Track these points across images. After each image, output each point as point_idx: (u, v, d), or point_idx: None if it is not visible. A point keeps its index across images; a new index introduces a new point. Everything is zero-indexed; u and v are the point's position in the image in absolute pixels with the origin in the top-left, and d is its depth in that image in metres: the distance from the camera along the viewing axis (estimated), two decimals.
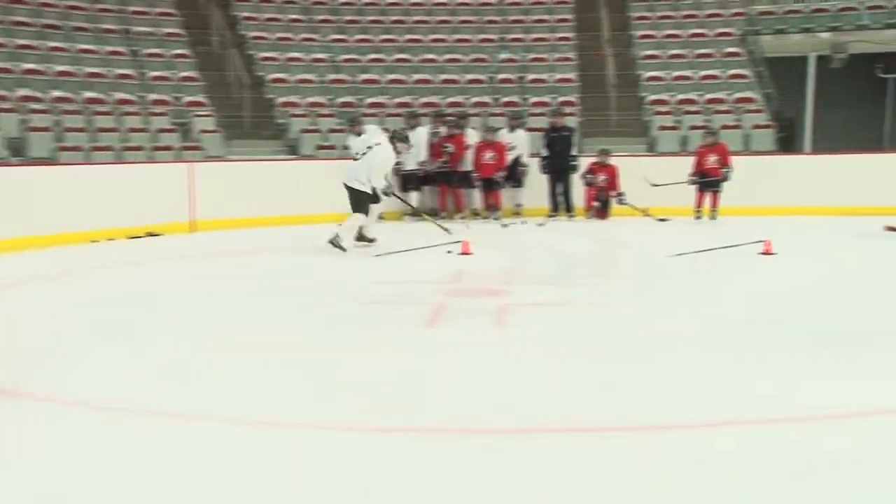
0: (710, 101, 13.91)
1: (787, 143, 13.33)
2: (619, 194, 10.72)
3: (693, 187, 10.39)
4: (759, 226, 9.07)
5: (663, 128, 13.23)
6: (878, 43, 14.45)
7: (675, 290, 5.92)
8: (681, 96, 14.13)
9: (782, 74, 14.33)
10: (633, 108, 14.21)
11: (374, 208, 7.76)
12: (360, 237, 7.88)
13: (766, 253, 7.26)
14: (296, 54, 15.00)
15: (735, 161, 10.51)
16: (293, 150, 12.77)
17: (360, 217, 7.60)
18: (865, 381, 3.66)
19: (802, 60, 12.54)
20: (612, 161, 10.92)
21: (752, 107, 13.60)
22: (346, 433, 3.16)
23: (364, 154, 7.59)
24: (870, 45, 14.54)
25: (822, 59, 13.71)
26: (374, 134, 7.92)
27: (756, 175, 10.74)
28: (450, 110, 12.82)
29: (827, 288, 5.85)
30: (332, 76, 14.66)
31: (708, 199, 10.40)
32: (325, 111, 13.72)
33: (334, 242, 7.49)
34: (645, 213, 10.55)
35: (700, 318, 4.98)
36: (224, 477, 2.78)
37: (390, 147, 7.61)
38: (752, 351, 4.19)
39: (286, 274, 6.63)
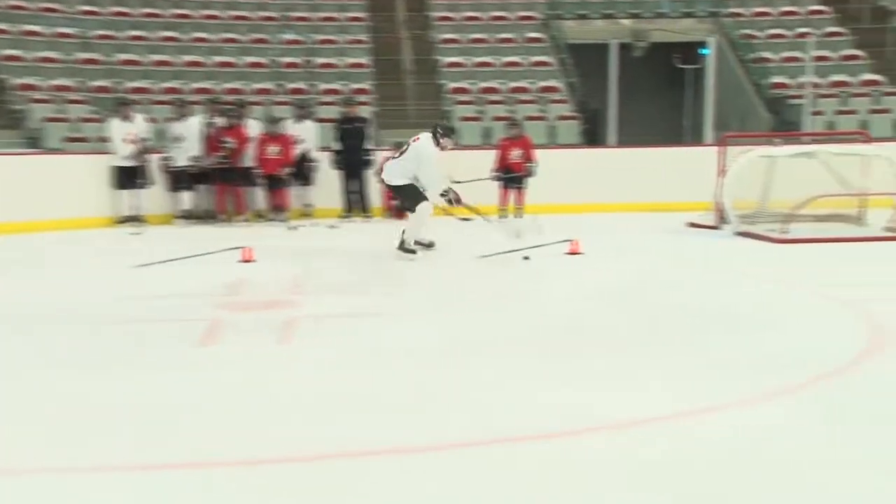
0: (514, 89, 14.64)
1: (592, 135, 14.34)
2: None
3: (497, 184, 10.88)
4: (566, 224, 9.66)
5: (465, 118, 13.72)
6: (676, 32, 15.96)
7: (479, 295, 6.15)
8: (483, 84, 14.75)
9: (586, 63, 15.40)
10: (432, 96, 14.61)
11: (425, 207, 7.75)
12: (405, 247, 7.86)
13: (573, 253, 7.73)
14: (34, 27, 13.93)
15: (540, 155, 11.12)
16: (34, 143, 11.86)
17: (423, 209, 7.67)
18: (664, 384, 4.00)
19: (605, 48, 13.53)
20: None
21: (557, 96, 14.47)
22: (91, 475, 2.97)
23: (405, 151, 7.74)
24: (668, 35, 16.02)
25: (624, 48, 14.87)
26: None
27: (562, 170, 11.43)
28: (227, 98, 12.50)
29: (632, 289, 6.33)
30: (82, 55, 13.77)
31: (513, 196, 10.92)
32: (74, 96, 12.86)
33: (404, 248, 7.62)
34: (448, 212, 10.85)
35: (503, 324, 5.20)
36: None
37: (432, 143, 7.65)
38: (554, 358, 4.44)
39: (4, 294, 6.16)
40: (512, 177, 10.83)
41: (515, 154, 10.93)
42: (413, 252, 7.69)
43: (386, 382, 4.04)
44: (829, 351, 4.48)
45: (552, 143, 13.33)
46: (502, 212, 10.91)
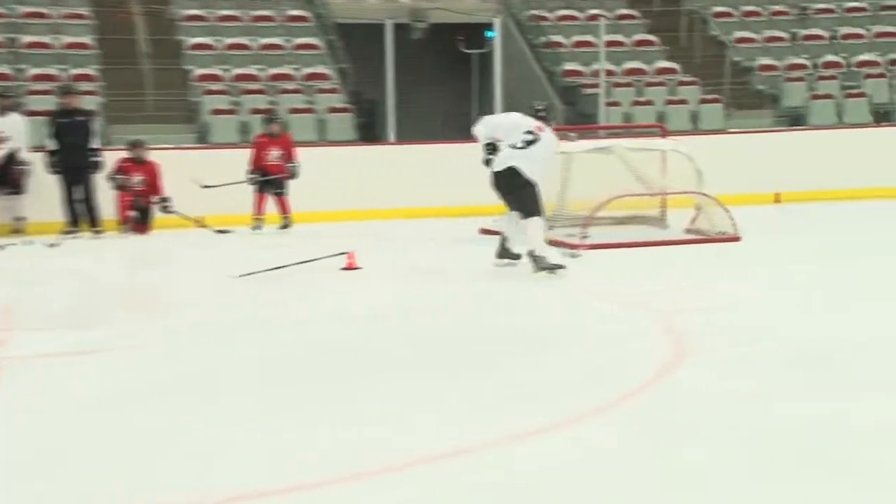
0: (275, 76, 14.54)
1: (369, 130, 14.50)
2: (164, 200, 10.63)
3: (252, 188, 10.74)
4: (340, 234, 9.69)
5: (218, 111, 13.46)
6: (458, 13, 16.51)
7: (237, 321, 6.06)
8: (238, 71, 14.53)
9: (359, 46, 15.55)
10: (175, 85, 14.23)
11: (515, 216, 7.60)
12: (504, 252, 7.80)
13: (350, 268, 7.79)
14: None
15: (309, 154, 11.11)
16: None
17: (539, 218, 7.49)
18: (456, 414, 4.10)
19: (380, 29, 13.72)
20: (151, 156, 10.79)
21: (326, 85, 14.53)
22: None
23: (536, 141, 7.55)
24: (450, 14, 16.54)
25: (401, 29, 15.16)
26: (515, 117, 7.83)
27: (334, 171, 11.49)
28: None
29: (418, 307, 6.47)
30: None
31: (273, 202, 10.82)
32: None
33: (535, 258, 7.34)
34: (199, 223, 10.59)
35: (266, 354, 5.16)
36: None
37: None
38: (331, 389, 4.45)
39: None
40: (269, 179, 10.73)
41: (274, 154, 10.83)
42: (554, 268, 7.31)
43: (104, 437, 3.85)
44: (634, 366, 4.79)
45: (322, 140, 13.35)
46: (258, 221, 10.78)
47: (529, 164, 7.51)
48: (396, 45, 13.53)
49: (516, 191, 7.56)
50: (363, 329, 5.78)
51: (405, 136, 13.54)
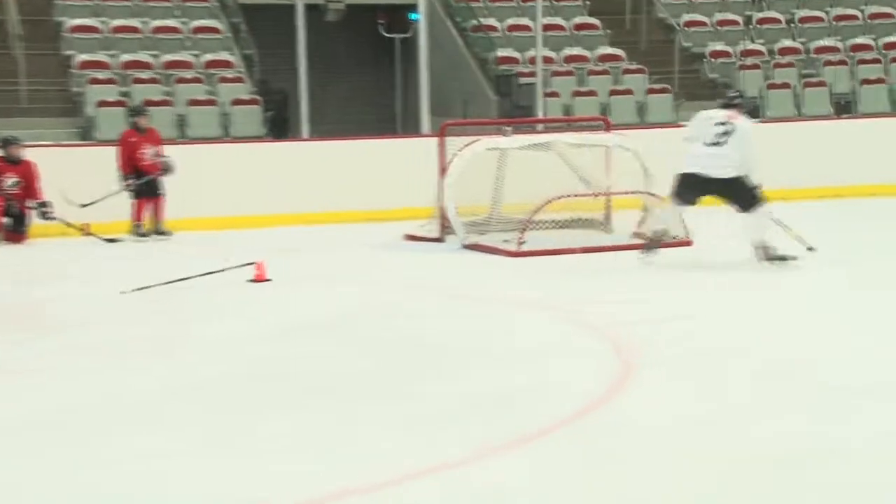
0: (170, 64, 14.39)
1: (280, 124, 14.42)
2: (42, 205, 10.45)
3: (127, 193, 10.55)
4: (246, 242, 9.64)
5: (104, 103, 13.27)
6: None
7: (136, 341, 6.02)
8: (127, 57, 14.35)
9: (267, 30, 15.47)
10: (53, 72, 14.00)
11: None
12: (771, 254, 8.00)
13: (259, 280, 7.77)
14: None
15: (211, 151, 11.03)
16: None
17: (766, 205, 7.97)
18: (376, 442, 4.14)
19: (290, 11, 13.66)
20: (27, 155, 10.60)
21: (230, 73, 14.43)
22: None
23: (729, 133, 7.98)
24: None
25: (313, 10, 15.11)
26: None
27: (241, 171, 11.42)
28: None
29: (333, 323, 6.49)
30: None
31: (151, 206, 10.66)
32: None
33: (770, 255, 7.86)
34: (85, 230, 10.43)
35: (167, 379, 5.15)
36: None
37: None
38: (229, 421, 4.45)
39: None
40: (148, 180, 10.59)
41: (150, 152, 10.72)
42: (784, 258, 7.91)
43: None
44: (574, 386, 4.87)
45: (226, 136, 13.25)
46: (137, 227, 10.63)
47: (726, 159, 7.99)
48: (309, 28, 13.47)
49: (723, 190, 8.10)
50: (275, 349, 5.79)
51: (320, 131, 13.50)
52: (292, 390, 4.94)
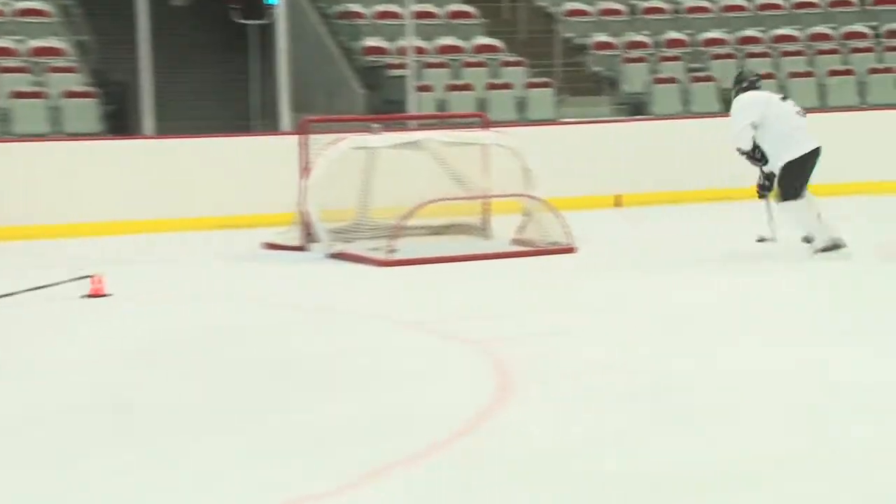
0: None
1: (119, 120, 14.07)
2: None
3: None
4: (82, 252, 9.41)
5: None
6: None
7: None
8: None
9: (103, 14, 15.11)
10: None
11: None
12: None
13: (95, 295, 7.62)
14: None
15: (38, 149, 10.72)
16: None
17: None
18: (230, 478, 4.08)
19: None
20: None
21: (61, 62, 14.05)
22: None
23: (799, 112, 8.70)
24: None
25: None
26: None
27: (72, 172, 11.15)
28: None
29: (179, 343, 6.40)
30: None
31: None
32: None
33: (828, 247, 8.40)
34: None
35: None
36: None
37: None
38: (53, 460, 4.32)
39: None
40: None
41: None
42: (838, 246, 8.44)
43: None
44: (449, 407, 4.88)
45: (56, 132, 12.90)
46: None
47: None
48: (153, 13, 13.24)
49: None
50: (117, 375, 5.67)
51: (166, 128, 13.26)
52: (135, 423, 4.82)
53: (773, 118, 8.54)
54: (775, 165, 8.56)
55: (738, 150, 8.65)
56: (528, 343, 6.08)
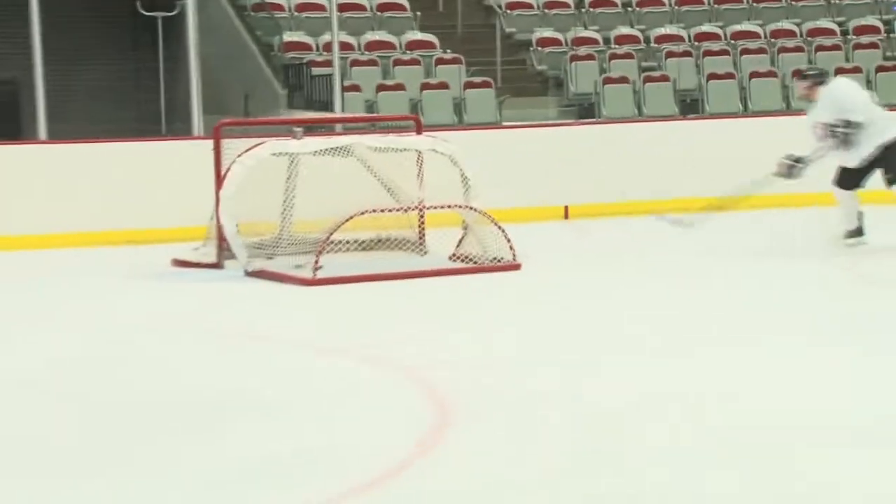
0: None
1: (10, 123, 13.87)
2: None
3: None
4: None
5: None
6: None
7: None
8: None
9: None
10: None
11: None
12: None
13: None
14: None
15: None
16: None
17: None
18: None
19: None
20: None
21: None
22: None
23: None
24: None
25: None
26: None
27: None
28: None
29: (70, 374, 6.30)
30: None
31: None
32: None
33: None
34: None
35: None
36: None
37: None
38: None
39: None
40: None
41: None
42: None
43: None
44: (378, 445, 4.81)
45: None
46: None
47: None
48: (46, 4, 13.06)
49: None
50: (7, 403, 5.58)
51: (62, 132, 13.07)
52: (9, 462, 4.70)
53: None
54: (867, 149, 9.41)
55: (853, 123, 9.33)
56: (468, 370, 6.04)
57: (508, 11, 17.27)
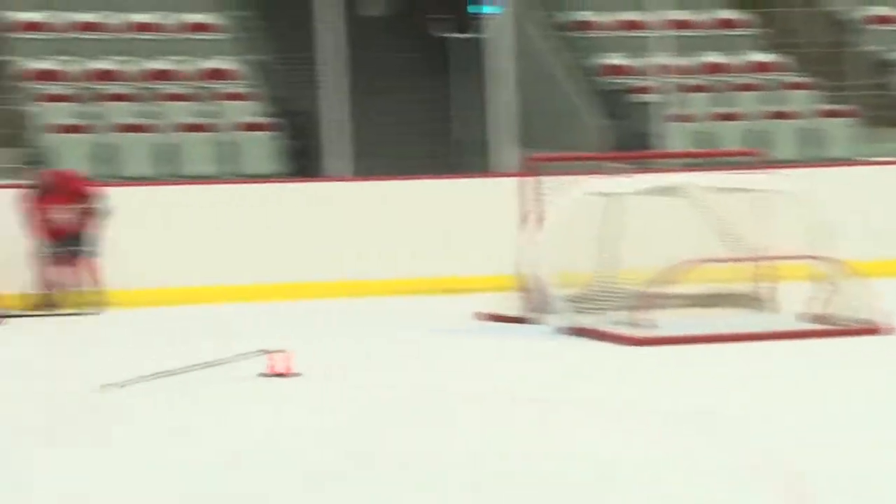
0: (153, 75, 14.53)
1: (303, 159, 14.32)
2: None
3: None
4: (255, 319, 9.71)
5: (63, 128, 13.50)
6: None
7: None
8: (83, 65, 14.48)
9: (285, 29, 15.43)
10: None
11: None
12: None
13: (279, 374, 7.78)
14: None
15: (226, 194, 11.18)
16: None
17: None
18: None
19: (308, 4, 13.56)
20: None
21: (231, 88, 14.57)
22: None
23: None
24: None
25: (350, 3, 15.11)
26: None
27: (250, 221, 11.69)
28: None
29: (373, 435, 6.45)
30: None
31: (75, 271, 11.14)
32: None
33: None
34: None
35: None
36: None
37: None
38: None
39: None
40: (73, 247, 11.16)
41: (62, 216, 11.20)
42: None
43: None
44: None
45: (229, 174, 13.39)
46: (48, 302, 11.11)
47: None
48: (344, 26, 13.54)
49: None
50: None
51: (357, 168, 13.42)
52: None
53: None
54: None
55: None
56: (836, 454, 5.72)
57: (869, 26, 16.72)
